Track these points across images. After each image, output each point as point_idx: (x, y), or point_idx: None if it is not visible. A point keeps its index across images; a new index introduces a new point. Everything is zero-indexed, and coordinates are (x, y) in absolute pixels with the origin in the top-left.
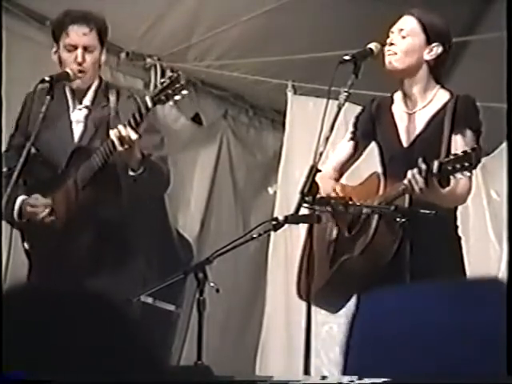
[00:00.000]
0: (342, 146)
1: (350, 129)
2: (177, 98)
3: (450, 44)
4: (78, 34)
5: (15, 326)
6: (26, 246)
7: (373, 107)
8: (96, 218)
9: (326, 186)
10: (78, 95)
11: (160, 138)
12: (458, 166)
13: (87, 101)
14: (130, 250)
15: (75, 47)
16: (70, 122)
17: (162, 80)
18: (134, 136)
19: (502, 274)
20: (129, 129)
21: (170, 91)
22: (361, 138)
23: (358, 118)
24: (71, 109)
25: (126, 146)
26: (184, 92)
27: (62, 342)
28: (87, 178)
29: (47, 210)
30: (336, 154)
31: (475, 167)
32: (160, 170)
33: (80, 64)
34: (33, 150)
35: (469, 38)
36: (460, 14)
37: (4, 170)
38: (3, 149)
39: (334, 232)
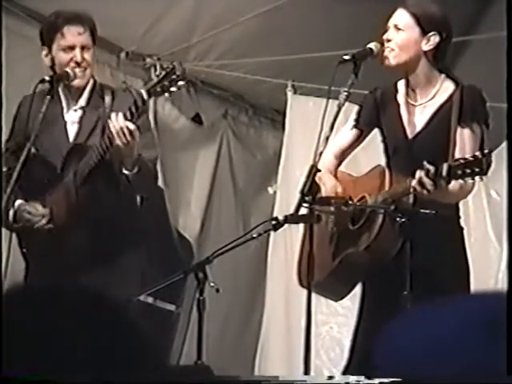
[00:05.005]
0: (344, 133)
1: (353, 116)
2: (173, 89)
3: (449, 31)
4: (73, 35)
5: (14, 326)
6: (23, 248)
7: (377, 95)
8: (95, 215)
9: (327, 184)
10: (73, 96)
11: (151, 137)
12: (468, 170)
13: (82, 102)
14: (129, 248)
15: (72, 47)
16: (65, 123)
17: (158, 72)
18: (131, 126)
19: (502, 273)
20: (125, 121)
21: (166, 82)
22: (364, 125)
23: (361, 105)
24: (65, 110)
25: (125, 141)
26: (180, 83)
27: (61, 341)
28: (84, 174)
29: (44, 221)
30: (338, 140)
31: (486, 173)
32: (151, 172)
33: (79, 63)
34: (33, 150)
35: (469, 38)
36: (460, 14)
37: (4, 169)
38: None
39: (335, 222)
